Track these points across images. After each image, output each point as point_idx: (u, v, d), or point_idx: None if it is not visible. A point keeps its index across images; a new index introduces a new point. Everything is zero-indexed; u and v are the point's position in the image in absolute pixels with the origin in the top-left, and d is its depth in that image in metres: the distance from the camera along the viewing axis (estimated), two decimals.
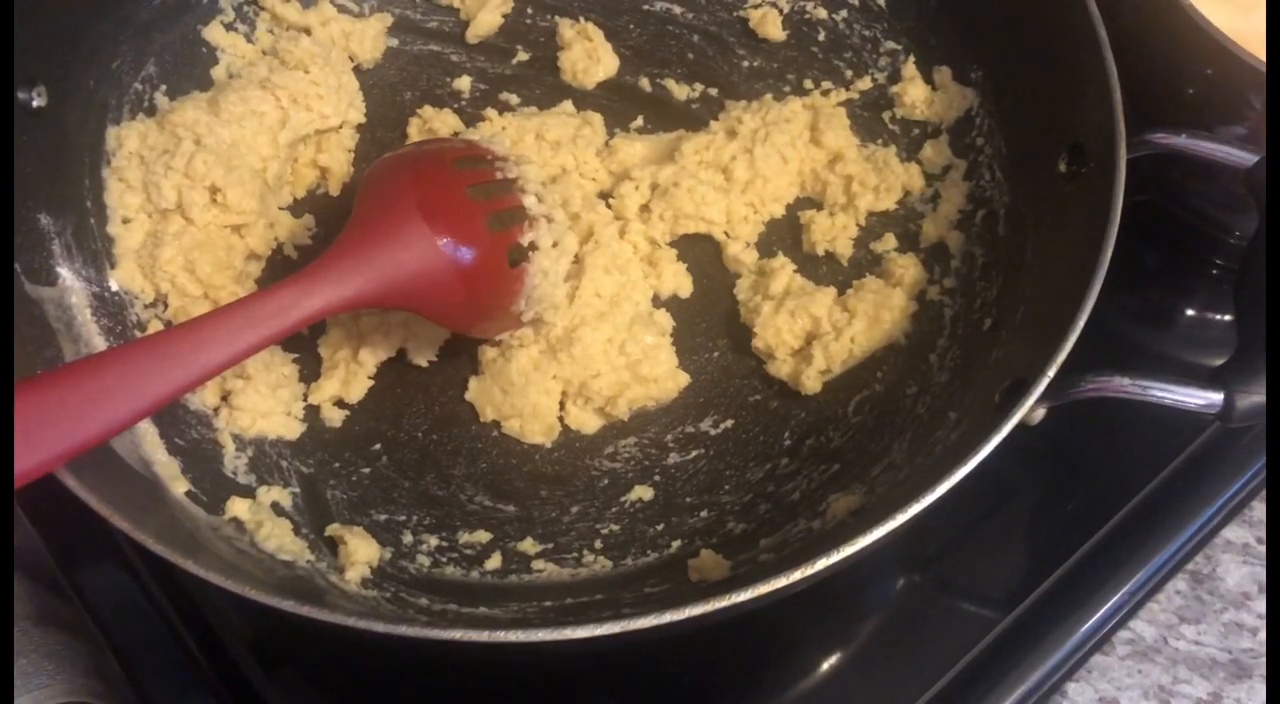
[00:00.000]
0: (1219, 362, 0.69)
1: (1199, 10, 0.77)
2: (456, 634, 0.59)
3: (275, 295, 0.71)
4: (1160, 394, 0.67)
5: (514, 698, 0.81)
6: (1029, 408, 0.67)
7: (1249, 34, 0.77)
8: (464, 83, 0.99)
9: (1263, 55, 0.75)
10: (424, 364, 0.87)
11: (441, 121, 0.95)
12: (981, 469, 0.65)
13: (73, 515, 0.63)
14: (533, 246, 0.79)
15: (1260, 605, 0.85)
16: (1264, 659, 0.83)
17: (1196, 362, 0.94)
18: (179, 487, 0.76)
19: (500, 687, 0.80)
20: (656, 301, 0.89)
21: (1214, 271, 0.97)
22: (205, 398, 0.83)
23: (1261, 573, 0.86)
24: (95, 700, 0.82)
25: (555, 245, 0.81)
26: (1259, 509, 0.88)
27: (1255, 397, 0.65)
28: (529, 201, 0.80)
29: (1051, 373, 0.66)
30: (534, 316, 0.82)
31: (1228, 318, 0.95)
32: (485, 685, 0.80)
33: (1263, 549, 0.87)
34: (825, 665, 0.82)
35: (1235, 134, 0.80)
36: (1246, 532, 0.88)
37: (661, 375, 0.85)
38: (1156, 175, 0.88)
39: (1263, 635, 0.84)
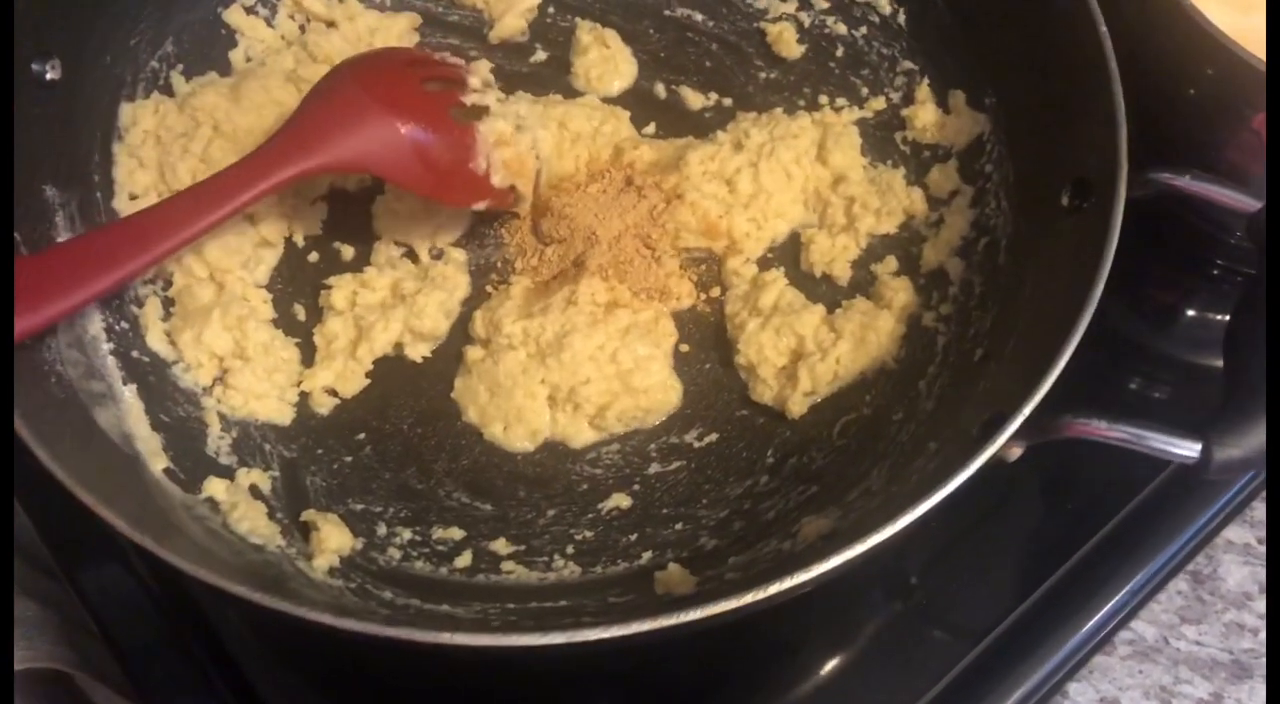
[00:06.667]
0: (1220, 362, 0.69)
1: (1199, 10, 0.77)
2: (401, 633, 0.59)
3: (243, 167, 0.79)
4: (1137, 443, 0.65)
5: (516, 697, 0.81)
6: (1003, 444, 0.66)
7: (1249, 33, 0.76)
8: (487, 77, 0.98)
9: (1262, 55, 0.75)
10: (418, 359, 0.88)
11: None
12: (983, 469, 0.65)
13: (73, 513, 0.64)
14: (481, 110, 0.87)
15: (1261, 605, 0.85)
16: (1265, 659, 0.83)
17: (1196, 361, 0.93)
18: (158, 463, 0.77)
19: (502, 686, 0.80)
20: (659, 313, 0.88)
21: (1214, 271, 0.96)
22: (198, 376, 0.84)
23: (1262, 573, 0.86)
24: (66, 668, 0.83)
25: (515, 116, 0.89)
26: (1259, 509, 0.88)
27: (1233, 451, 0.63)
28: (473, 80, 0.89)
29: (1027, 411, 0.65)
30: (506, 185, 0.88)
31: (1228, 318, 0.94)
32: (487, 684, 0.80)
33: (1263, 549, 0.87)
34: (826, 667, 0.82)
35: (1236, 133, 0.80)
36: (1247, 532, 0.88)
37: (653, 387, 0.85)
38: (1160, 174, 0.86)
39: (1264, 636, 0.84)
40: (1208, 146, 0.82)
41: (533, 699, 0.81)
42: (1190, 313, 0.97)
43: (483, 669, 0.79)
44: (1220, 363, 0.70)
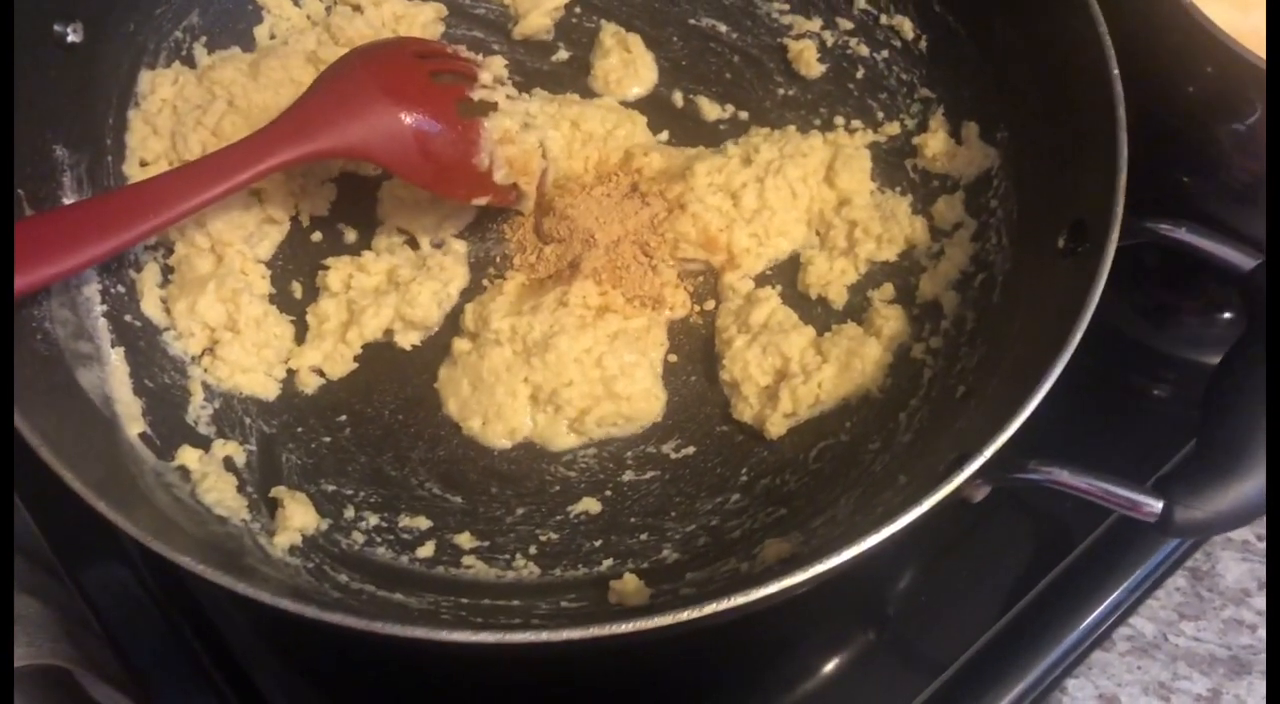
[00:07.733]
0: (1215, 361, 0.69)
1: (1199, 8, 0.76)
2: (335, 618, 0.60)
3: (244, 147, 0.80)
4: (1100, 495, 0.64)
5: (516, 694, 0.81)
6: (968, 485, 0.65)
7: (1249, 32, 0.76)
8: (499, 73, 0.99)
9: (1262, 53, 0.74)
10: (408, 347, 0.88)
11: None
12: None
13: (75, 511, 0.65)
14: (489, 106, 0.88)
15: (1260, 602, 0.85)
16: (1263, 655, 0.82)
17: (1198, 360, 0.93)
18: (135, 428, 0.78)
19: (503, 682, 0.80)
20: (652, 322, 0.88)
21: (1215, 270, 0.93)
22: (188, 345, 0.85)
23: (1261, 570, 0.86)
24: (67, 665, 0.84)
25: (524, 115, 0.90)
26: None
27: (1195, 513, 0.62)
28: (484, 76, 0.91)
29: (989, 454, 0.64)
30: (508, 183, 0.89)
31: (1228, 316, 0.94)
32: (490, 681, 0.80)
33: (1262, 546, 0.86)
34: (828, 663, 0.82)
35: (1234, 132, 0.79)
36: (1246, 529, 0.87)
37: (635, 394, 0.84)
38: (1158, 174, 0.85)
39: (1262, 632, 0.83)
40: (1207, 144, 0.81)
41: (532, 697, 0.81)
42: (1191, 311, 0.97)
43: (485, 666, 0.79)
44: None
